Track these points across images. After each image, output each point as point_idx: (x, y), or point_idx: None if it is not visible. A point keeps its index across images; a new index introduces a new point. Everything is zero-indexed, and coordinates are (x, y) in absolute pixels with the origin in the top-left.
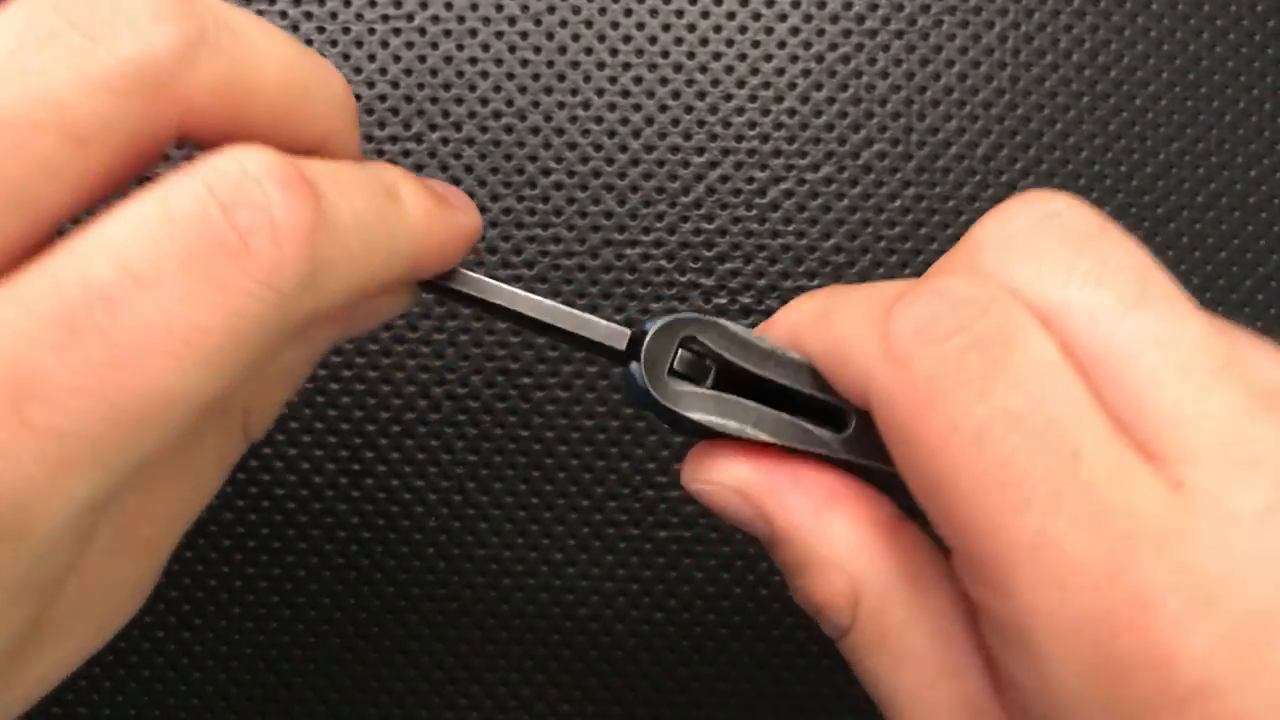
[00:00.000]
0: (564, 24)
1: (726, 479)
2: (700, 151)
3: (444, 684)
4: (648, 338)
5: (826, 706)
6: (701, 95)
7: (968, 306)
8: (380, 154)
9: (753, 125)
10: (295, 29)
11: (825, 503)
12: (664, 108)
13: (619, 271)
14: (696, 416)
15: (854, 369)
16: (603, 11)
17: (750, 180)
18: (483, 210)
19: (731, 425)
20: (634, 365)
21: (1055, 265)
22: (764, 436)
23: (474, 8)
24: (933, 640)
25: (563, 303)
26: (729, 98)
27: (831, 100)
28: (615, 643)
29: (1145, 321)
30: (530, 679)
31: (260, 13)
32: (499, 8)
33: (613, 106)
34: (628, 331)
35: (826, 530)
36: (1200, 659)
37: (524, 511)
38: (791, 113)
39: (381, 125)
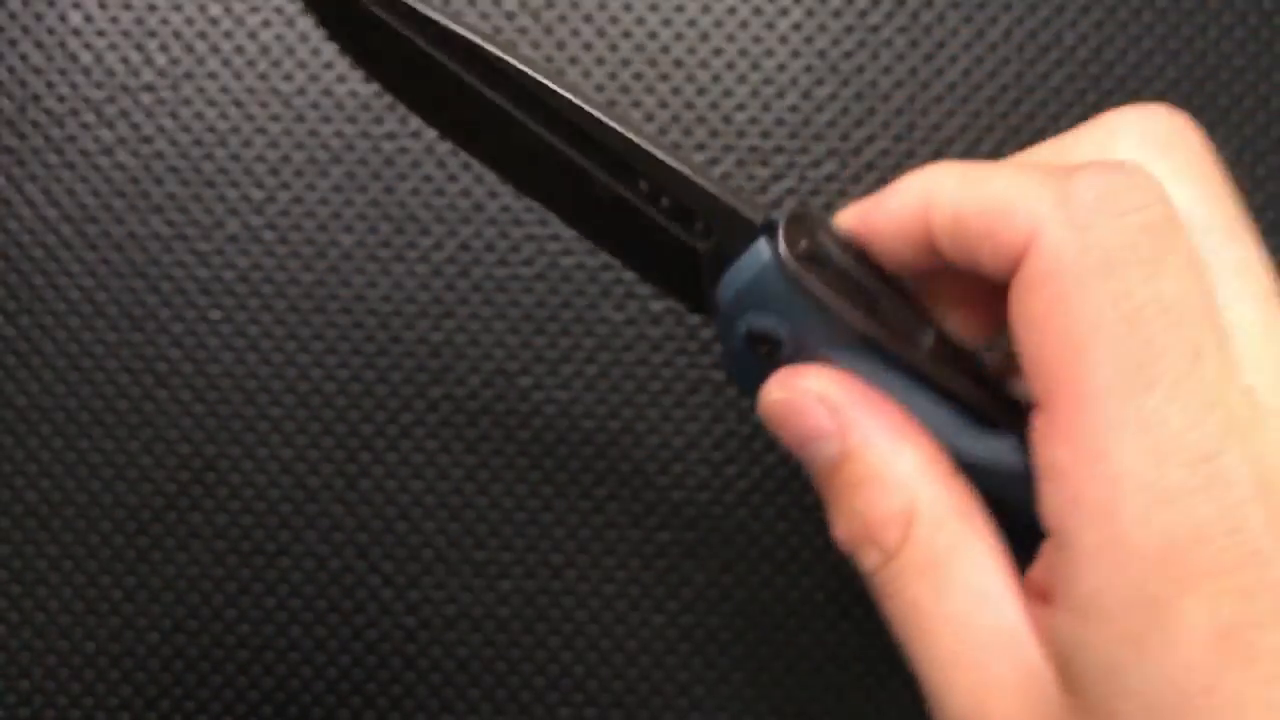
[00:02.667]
0: (563, 19)
1: (816, 387)
2: (701, 148)
3: (442, 687)
4: (784, 219)
5: (829, 710)
6: (702, 91)
7: (1146, 189)
8: (376, 151)
9: (754, 121)
10: (291, 24)
11: (898, 430)
12: (664, 104)
13: (618, 270)
14: (819, 292)
15: (1019, 223)
16: (602, 7)
17: (752, 177)
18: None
19: (846, 307)
20: (765, 240)
21: (1185, 180)
22: (871, 328)
23: (472, 3)
24: (978, 569)
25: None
26: (730, 94)
27: (834, 96)
28: (615, 646)
29: (1239, 252)
30: (529, 682)
31: (255, 9)
32: (497, 3)
33: (612, 102)
34: (757, 213)
35: (896, 453)
36: (1259, 531)
37: (523, 513)
38: (793, 109)
39: (378, 122)
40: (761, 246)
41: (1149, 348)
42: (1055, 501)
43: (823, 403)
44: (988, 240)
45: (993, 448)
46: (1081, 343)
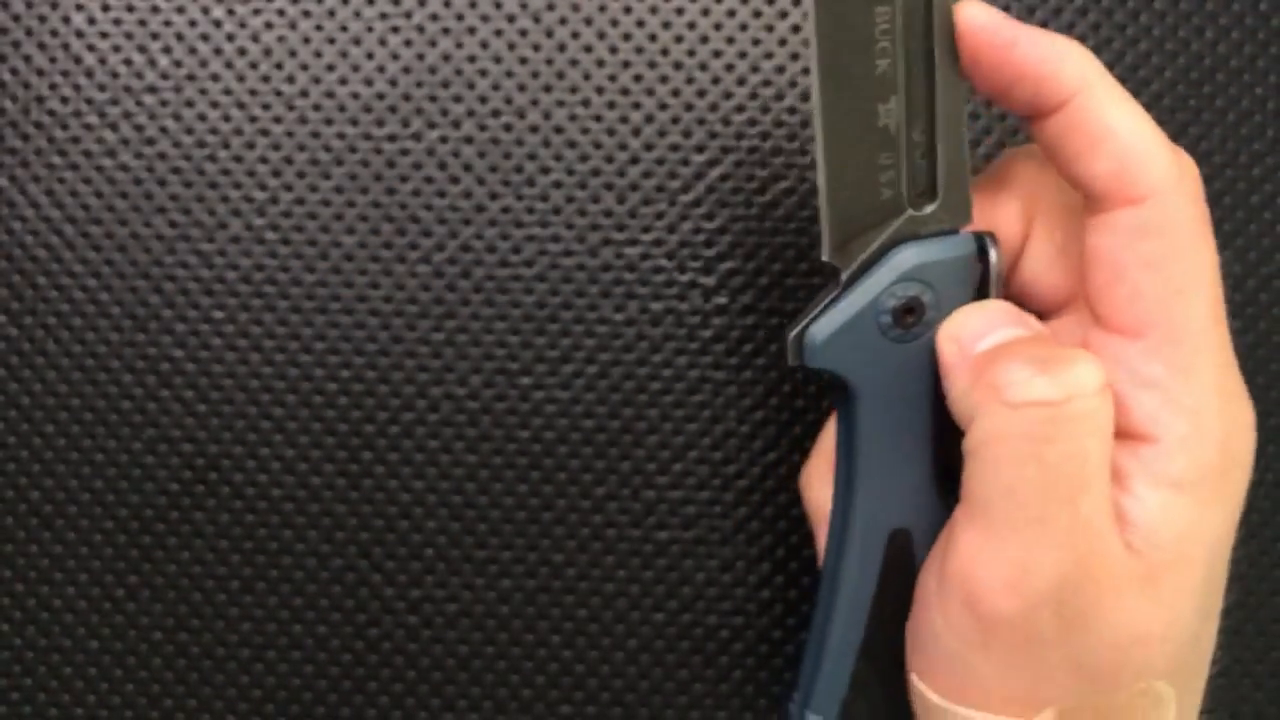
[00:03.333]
0: (563, 21)
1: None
2: (700, 150)
3: (443, 685)
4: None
5: None
6: (701, 93)
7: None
8: (378, 153)
9: (753, 123)
10: (293, 27)
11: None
12: (663, 105)
13: (618, 270)
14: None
15: (1147, 178)
16: (602, 9)
17: (750, 178)
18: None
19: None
20: (975, 237)
21: None
22: None
23: (473, 6)
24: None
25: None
26: (729, 95)
27: None
28: (616, 644)
29: None
30: (530, 681)
31: (257, 11)
32: (498, 6)
33: (612, 104)
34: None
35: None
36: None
37: (523, 512)
38: (791, 111)
39: (380, 124)
40: (966, 238)
41: (1220, 299)
42: (1151, 406)
43: (1014, 315)
44: (1110, 178)
45: None
46: (1185, 288)
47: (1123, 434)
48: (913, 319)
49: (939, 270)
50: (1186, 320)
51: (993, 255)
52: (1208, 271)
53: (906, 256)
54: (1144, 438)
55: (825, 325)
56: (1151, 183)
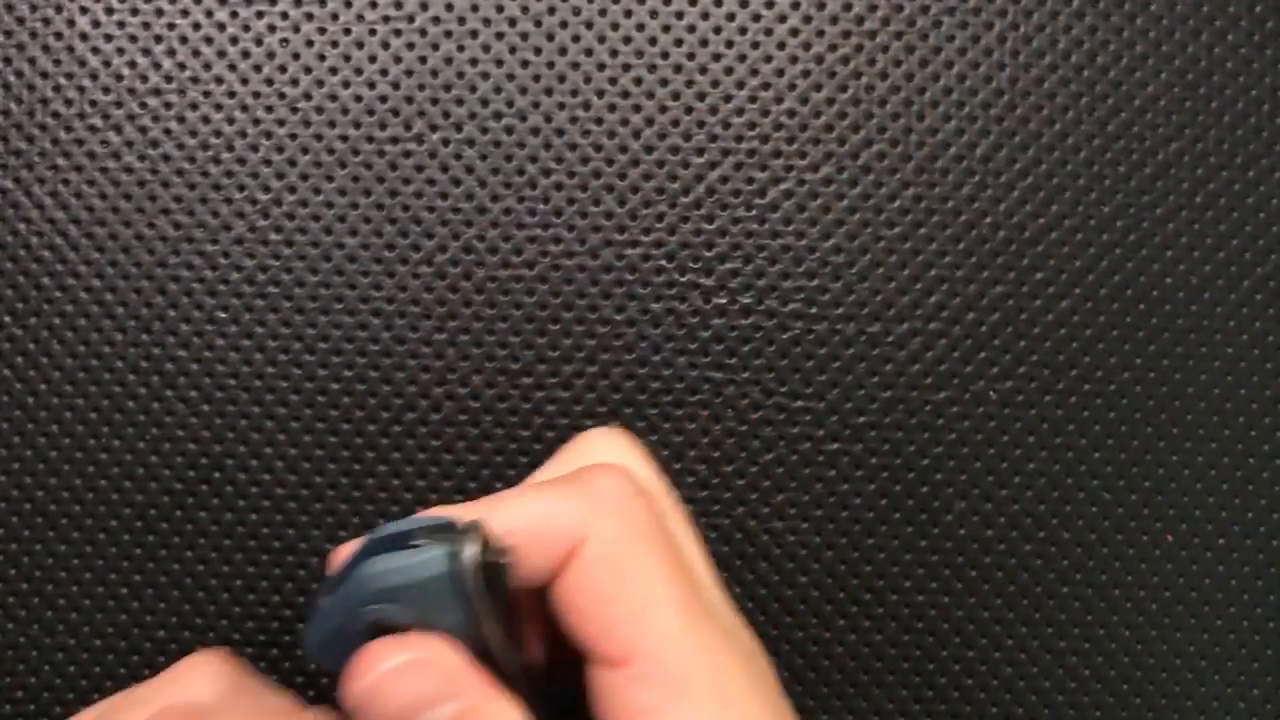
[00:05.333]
0: (564, 25)
1: (425, 654)
2: (700, 152)
3: None
4: (465, 532)
5: (824, 705)
6: (701, 96)
7: (640, 478)
8: (381, 155)
9: (752, 126)
10: (297, 29)
11: (498, 688)
12: (664, 109)
13: (619, 272)
14: (483, 613)
15: (563, 525)
16: (603, 13)
17: (750, 181)
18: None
19: (493, 629)
20: (448, 550)
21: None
22: (500, 648)
23: (474, 9)
24: None
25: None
26: (728, 99)
27: (831, 101)
28: None
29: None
30: None
31: (261, 14)
32: (499, 9)
33: (613, 108)
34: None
35: (507, 707)
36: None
37: None
38: (791, 114)
39: (383, 126)
40: (438, 553)
41: (697, 592)
42: None
43: (432, 667)
44: (537, 549)
45: None
46: (648, 600)
47: None
48: (388, 633)
49: (410, 592)
50: (661, 634)
51: (466, 568)
52: (662, 580)
53: (371, 573)
54: None
55: (313, 632)
56: (564, 527)
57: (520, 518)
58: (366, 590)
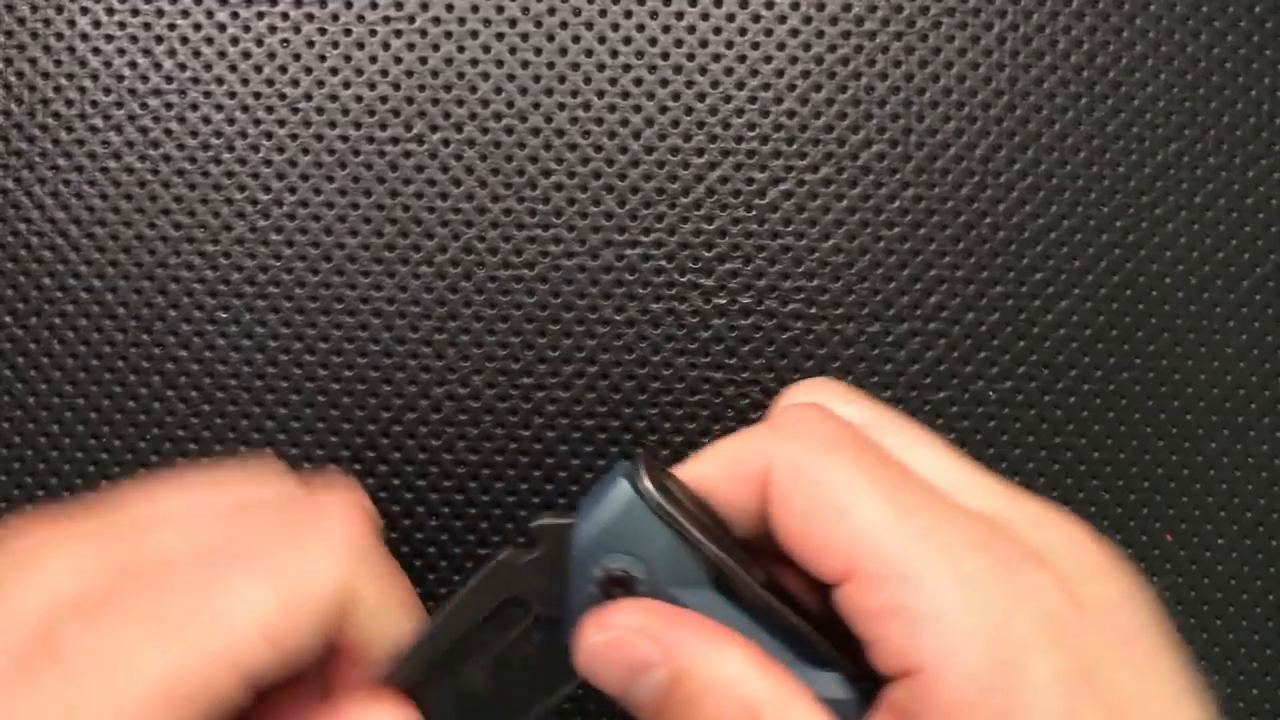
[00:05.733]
0: (564, 26)
1: (633, 620)
2: (700, 153)
3: None
4: (639, 458)
5: None
6: (701, 97)
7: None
8: (381, 155)
9: (752, 127)
10: (297, 30)
11: (719, 636)
12: (664, 109)
13: (619, 272)
14: (680, 523)
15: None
16: (603, 14)
17: (750, 181)
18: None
19: (704, 539)
20: (625, 477)
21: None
22: (725, 560)
23: (475, 10)
24: None
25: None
26: (728, 100)
27: (830, 102)
28: None
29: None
30: None
31: (261, 15)
32: (500, 10)
33: (613, 108)
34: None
35: (722, 656)
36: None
37: (525, 511)
38: (791, 114)
39: (383, 127)
40: (622, 483)
41: (913, 485)
42: (899, 635)
43: (643, 633)
44: (730, 491)
45: (823, 680)
46: (847, 504)
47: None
48: (623, 589)
49: (613, 534)
50: (873, 533)
51: (644, 479)
52: (863, 481)
53: (571, 547)
54: (909, 672)
55: (566, 620)
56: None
57: (707, 468)
58: (581, 550)
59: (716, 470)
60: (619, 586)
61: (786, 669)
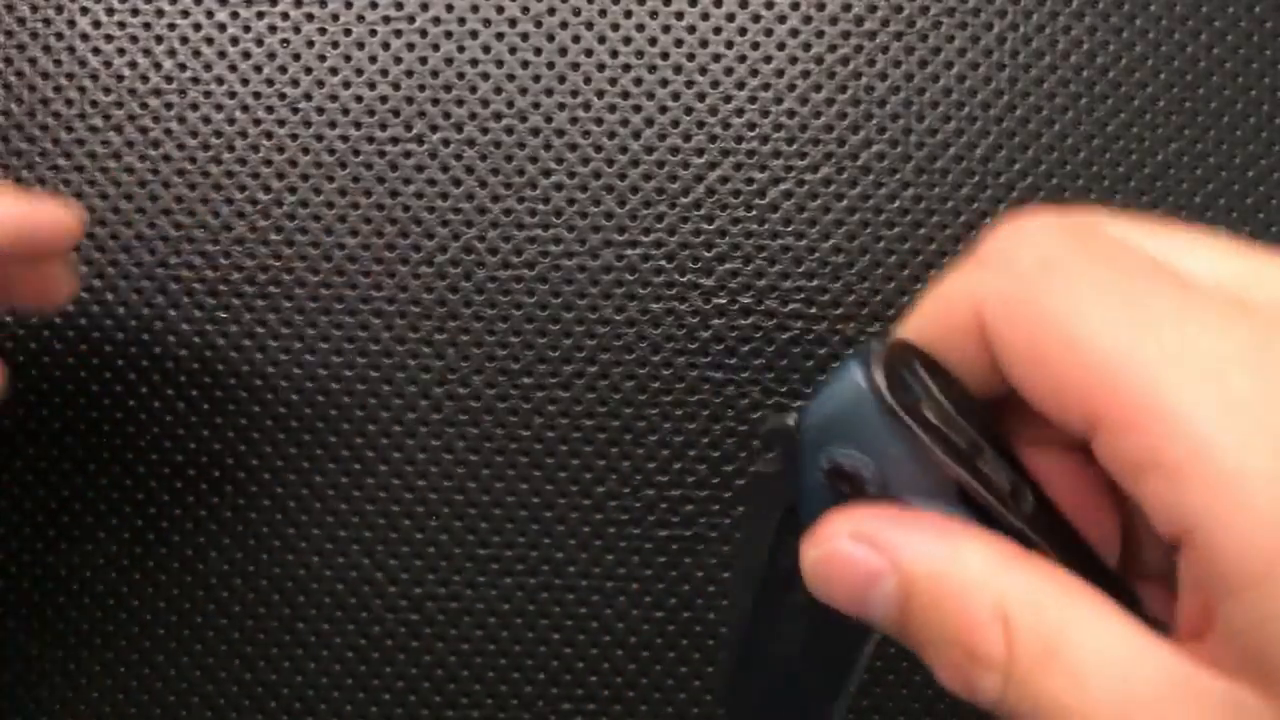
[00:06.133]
0: (564, 26)
1: (845, 526)
2: (700, 153)
3: (445, 682)
4: (879, 345)
5: None
6: (701, 97)
7: None
8: (382, 155)
9: (752, 127)
10: (297, 30)
11: (950, 532)
12: (664, 109)
13: (619, 272)
14: (914, 430)
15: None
16: (603, 14)
17: (749, 181)
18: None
19: (942, 452)
20: (858, 364)
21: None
22: (968, 479)
23: (475, 10)
24: (1104, 633)
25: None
26: (728, 100)
27: (830, 102)
28: (616, 641)
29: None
30: (531, 677)
31: (261, 15)
32: (500, 10)
33: (613, 108)
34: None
35: (957, 555)
36: None
37: (525, 511)
38: (790, 114)
39: (383, 127)
40: (854, 371)
41: (1164, 285)
42: (1162, 492)
43: (859, 539)
44: (946, 341)
45: None
46: (1076, 329)
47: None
48: (850, 486)
49: (838, 421)
50: (1116, 359)
51: (876, 371)
52: (1091, 293)
53: (798, 423)
54: (1181, 538)
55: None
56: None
57: (918, 321)
58: (806, 432)
59: (931, 329)
60: (846, 483)
61: (1043, 558)
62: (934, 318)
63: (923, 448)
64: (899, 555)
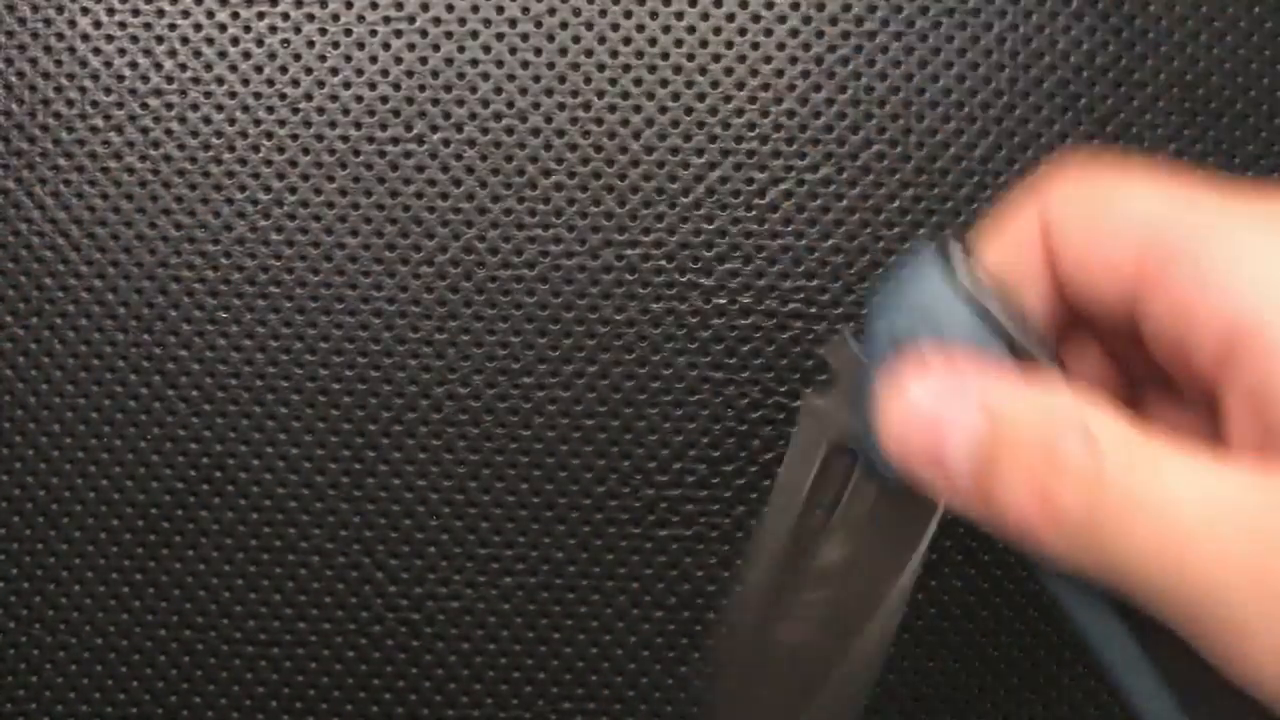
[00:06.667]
0: (564, 26)
1: (933, 384)
2: (700, 153)
3: (445, 681)
4: (953, 236)
5: None
6: (701, 97)
7: None
8: (382, 155)
9: (752, 127)
10: (298, 30)
11: (1040, 377)
12: (664, 109)
13: (619, 272)
14: (989, 309)
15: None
16: (603, 14)
17: (749, 181)
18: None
19: (1013, 328)
20: (936, 250)
21: None
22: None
23: (475, 10)
24: (1182, 453)
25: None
26: (728, 99)
27: (830, 102)
28: (616, 641)
29: None
30: (531, 677)
31: (262, 15)
32: (500, 10)
33: (613, 108)
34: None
35: (1049, 392)
36: None
37: (525, 510)
38: (790, 114)
39: (383, 127)
40: (931, 256)
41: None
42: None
43: (946, 389)
44: (1016, 265)
45: None
46: (1149, 228)
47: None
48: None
49: (916, 309)
50: (1209, 255)
51: (957, 253)
52: (1156, 193)
53: (879, 306)
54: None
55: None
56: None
57: (989, 233)
58: (880, 317)
59: (1002, 244)
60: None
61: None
62: (1005, 232)
63: (1004, 333)
64: (988, 395)
